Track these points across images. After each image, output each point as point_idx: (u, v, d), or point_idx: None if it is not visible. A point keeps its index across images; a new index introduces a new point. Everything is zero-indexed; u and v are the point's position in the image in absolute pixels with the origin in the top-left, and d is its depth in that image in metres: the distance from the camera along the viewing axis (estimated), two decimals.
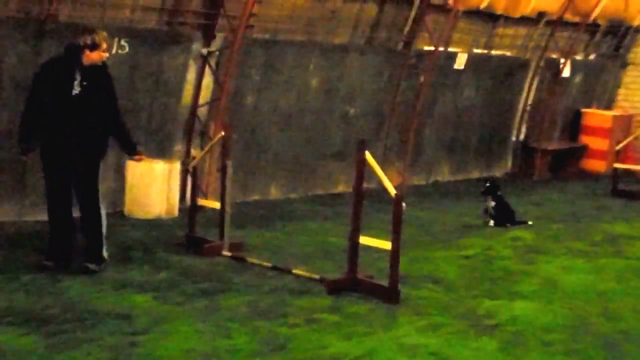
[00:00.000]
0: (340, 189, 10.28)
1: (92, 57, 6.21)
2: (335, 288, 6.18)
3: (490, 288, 6.59)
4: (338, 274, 6.39)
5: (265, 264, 6.76)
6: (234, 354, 4.89)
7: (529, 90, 12.83)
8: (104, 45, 6.25)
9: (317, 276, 6.45)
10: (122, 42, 8.12)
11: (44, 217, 7.83)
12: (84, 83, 6.19)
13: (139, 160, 6.71)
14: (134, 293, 5.85)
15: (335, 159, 10.34)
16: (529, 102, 12.88)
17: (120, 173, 8.37)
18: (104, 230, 6.38)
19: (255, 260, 6.86)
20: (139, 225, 7.88)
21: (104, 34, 6.37)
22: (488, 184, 9.13)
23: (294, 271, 6.59)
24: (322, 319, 5.59)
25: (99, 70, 6.30)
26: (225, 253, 7.01)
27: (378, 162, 6.23)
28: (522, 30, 12.16)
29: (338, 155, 10.34)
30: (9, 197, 7.74)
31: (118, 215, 8.21)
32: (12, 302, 5.48)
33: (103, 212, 6.39)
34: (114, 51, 8.09)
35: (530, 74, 12.77)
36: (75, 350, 4.72)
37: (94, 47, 6.19)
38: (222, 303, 5.78)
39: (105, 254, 6.38)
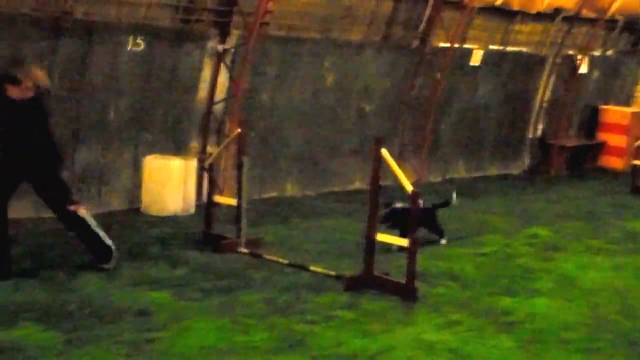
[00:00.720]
0: (357, 186, 10.26)
1: (13, 92, 5.78)
2: (352, 285, 6.16)
3: (508, 285, 6.55)
4: (355, 271, 6.37)
5: (281, 260, 6.75)
6: (251, 351, 4.88)
7: (546, 87, 12.74)
8: (28, 84, 5.78)
9: (334, 273, 6.43)
10: (138, 40, 8.13)
11: None
12: (6, 117, 5.81)
13: (74, 210, 6.14)
14: (151, 289, 5.86)
15: (352, 156, 10.32)
16: (546, 98, 12.80)
17: (136, 170, 8.40)
18: (94, 229, 6.19)
19: (271, 257, 6.85)
20: (156, 222, 7.90)
21: (35, 70, 5.96)
22: (387, 210, 7.36)
23: (311, 268, 6.58)
24: (339, 316, 5.58)
25: (29, 107, 5.83)
26: (242, 250, 7.01)
27: (394, 159, 6.20)
28: (539, 27, 12.08)
29: (354, 152, 10.32)
30: (27, 193, 7.77)
31: (135, 212, 8.24)
32: (31, 297, 5.50)
33: (82, 213, 6.18)
34: (129, 48, 8.14)
35: (546, 71, 12.68)
36: (93, 346, 4.74)
37: (14, 82, 5.77)
38: (239, 299, 5.78)
39: (111, 247, 6.23)
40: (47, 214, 7.76)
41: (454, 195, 7.79)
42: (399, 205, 7.29)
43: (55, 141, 6.17)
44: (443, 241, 7.75)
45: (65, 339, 4.81)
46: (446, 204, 7.80)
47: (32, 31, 7.43)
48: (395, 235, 6.79)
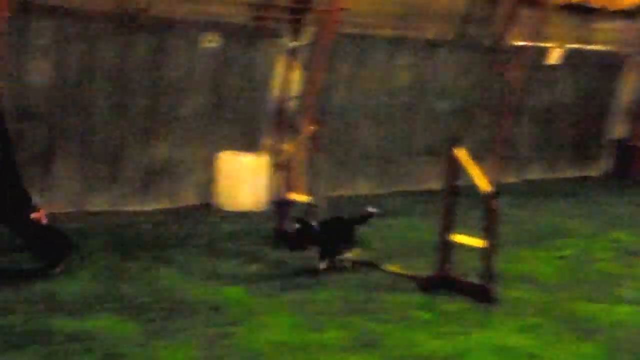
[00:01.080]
0: (431, 185, 10.10)
1: None
2: (426, 285, 6.05)
3: (590, 290, 6.31)
4: (428, 271, 6.24)
5: (355, 259, 6.68)
6: (325, 349, 4.82)
7: (627, 87, 12.29)
8: None
9: (409, 273, 6.32)
10: (212, 36, 8.20)
11: (136, 207, 8.03)
12: None
13: (37, 217, 5.58)
14: (225, 284, 5.88)
15: (425, 155, 10.18)
16: (627, 99, 12.34)
17: (210, 166, 8.46)
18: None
19: (345, 255, 6.78)
20: (229, 218, 7.95)
21: None
22: (299, 227, 6.23)
23: (386, 267, 6.49)
24: (414, 317, 5.47)
25: None
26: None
27: (468, 160, 6.06)
28: (620, 24, 11.67)
29: (428, 152, 10.17)
30: (103, 187, 7.93)
31: (207, 207, 8.31)
32: (108, 289, 5.58)
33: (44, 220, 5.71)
34: (203, 45, 8.22)
35: (628, 70, 12.24)
36: (171, 338, 4.77)
37: None
38: (312, 297, 5.74)
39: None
40: (122, 207, 7.93)
41: (372, 209, 6.56)
42: (313, 222, 6.25)
43: (14, 150, 5.75)
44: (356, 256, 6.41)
45: (143, 330, 4.85)
46: (369, 216, 6.56)
47: (108, 29, 7.56)
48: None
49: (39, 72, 7.40)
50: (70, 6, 7.35)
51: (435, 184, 9.74)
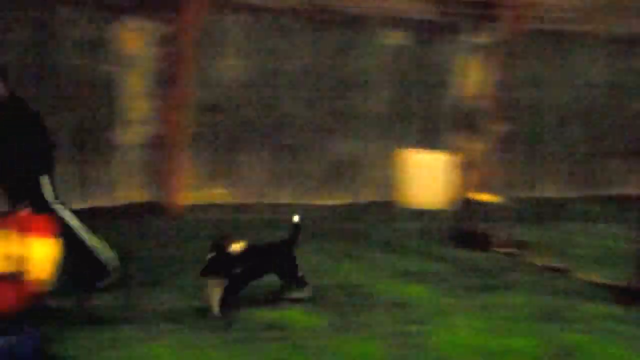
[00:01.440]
0: (628, 190, 9.46)
1: None
2: (626, 296, 5.60)
3: None
4: (624, 281, 5.79)
5: (545, 263, 6.37)
6: (513, 356, 4.59)
7: None
8: None
9: (605, 281, 5.91)
10: (396, 32, 8.17)
11: (317, 201, 8.17)
12: None
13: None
14: (410, 282, 5.80)
15: (625, 158, 9.54)
16: None
17: (391, 162, 8.43)
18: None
19: (535, 260, 6.49)
20: (412, 215, 7.89)
21: None
22: (214, 255, 4.89)
23: (578, 275, 6.12)
24: (613, 329, 5.07)
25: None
26: (504, 249, 6.74)
27: None
28: None
29: (628, 154, 9.53)
30: (287, 181, 8.14)
31: (389, 204, 8.29)
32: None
33: None
34: (387, 41, 8.20)
35: None
36: (356, 333, 4.76)
37: None
38: (500, 301, 5.51)
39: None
40: (305, 200, 8.08)
41: (296, 217, 5.35)
42: (235, 247, 4.94)
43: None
44: (304, 294, 5.25)
45: (330, 323, 4.88)
46: (296, 230, 5.37)
47: (296, 24, 7.73)
48: (219, 290, 4.85)
49: (229, 66, 7.72)
50: (260, 2, 7.59)
51: (633, 189, 9.11)
